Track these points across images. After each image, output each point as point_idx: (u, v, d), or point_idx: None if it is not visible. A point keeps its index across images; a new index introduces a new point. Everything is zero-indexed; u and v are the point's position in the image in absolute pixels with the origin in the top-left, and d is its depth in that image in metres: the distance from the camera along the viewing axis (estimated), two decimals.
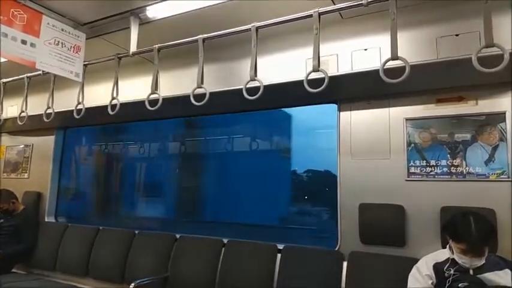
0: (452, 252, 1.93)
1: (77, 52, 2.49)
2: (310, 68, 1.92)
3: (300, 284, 2.59)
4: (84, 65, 2.56)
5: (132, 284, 2.76)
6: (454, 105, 2.48)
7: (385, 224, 2.52)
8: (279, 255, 2.77)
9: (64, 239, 3.81)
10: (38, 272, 3.87)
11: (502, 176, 2.31)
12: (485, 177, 2.35)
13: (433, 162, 2.49)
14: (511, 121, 2.32)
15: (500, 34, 1.81)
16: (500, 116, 2.35)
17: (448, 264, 1.94)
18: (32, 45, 2.22)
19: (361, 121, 2.76)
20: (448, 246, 2.00)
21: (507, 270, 1.86)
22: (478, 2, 1.59)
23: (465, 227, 1.85)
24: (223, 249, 3.00)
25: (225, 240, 3.05)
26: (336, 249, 2.69)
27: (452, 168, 2.44)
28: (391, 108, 2.66)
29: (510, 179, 2.28)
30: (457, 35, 2.05)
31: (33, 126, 4.07)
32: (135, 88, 2.98)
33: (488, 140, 2.38)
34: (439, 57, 2.08)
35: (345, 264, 2.55)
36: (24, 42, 2.17)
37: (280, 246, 2.82)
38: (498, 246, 2.15)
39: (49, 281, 3.64)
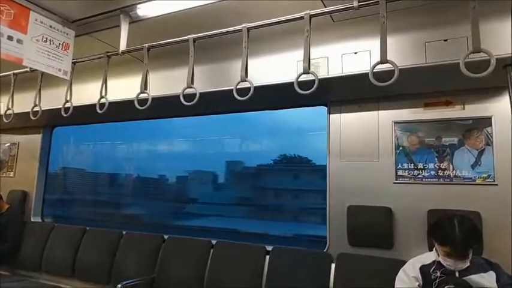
0: (438, 255, 1.95)
1: (65, 50, 2.45)
2: (300, 70, 1.93)
3: (289, 285, 2.59)
4: (72, 62, 2.52)
5: (119, 285, 2.73)
6: (441, 110, 2.51)
7: (373, 226, 2.53)
8: (267, 257, 2.77)
9: (50, 239, 3.74)
10: (22, 273, 3.79)
11: (487, 180, 2.34)
12: (472, 181, 2.38)
13: (420, 166, 2.52)
14: (497, 125, 2.36)
15: (488, 40, 1.84)
16: (487, 121, 2.39)
17: (434, 267, 1.96)
18: (19, 41, 2.17)
19: (351, 123, 2.78)
20: (434, 248, 2.02)
21: (491, 273, 1.89)
22: (466, 8, 1.61)
23: (449, 230, 1.87)
24: (211, 250, 2.98)
25: (214, 242, 3.03)
26: (325, 250, 2.70)
27: (439, 171, 2.47)
28: (380, 112, 2.69)
29: (496, 183, 2.32)
30: (445, 40, 2.07)
31: (19, 124, 4.00)
32: (124, 87, 2.95)
33: (474, 144, 2.41)
34: (427, 62, 2.11)
35: (333, 265, 2.56)
36: (10, 38, 2.12)
37: (269, 248, 2.82)
38: (484, 249, 2.18)
39: (34, 282, 3.58)
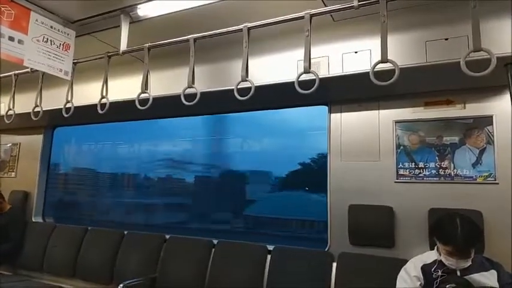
0: (440, 254, 1.95)
1: (66, 50, 2.46)
2: (301, 70, 1.92)
3: (290, 285, 2.59)
4: (73, 63, 2.53)
5: (121, 285, 2.73)
6: (442, 109, 2.51)
7: (375, 226, 2.53)
8: (269, 256, 2.77)
9: (52, 239, 3.75)
10: (24, 273, 3.80)
11: (488, 179, 2.34)
12: (473, 180, 2.38)
13: (421, 165, 2.52)
14: (498, 124, 2.36)
15: (489, 39, 1.84)
16: (488, 120, 2.39)
17: (435, 266, 1.96)
18: (20, 42, 2.18)
19: (352, 123, 2.78)
20: (435, 247, 2.02)
21: (493, 271, 1.89)
22: (466, 7, 1.60)
23: (451, 229, 1.86)
24: (213, 250, 2.99)
25: (215, 241, 3.04)
26: (326, 250, 2.71)
27: (440, 170, 2.47)
28: (380, 111, 2.69)
29: (497, 182, 2.32)
30: (446, 39, 2.07)
31: (20, 124, 4.01)
32: (125, 87, 2.95)
33: (475, 143, 2.41)
34: (428, 61, 2.10)
35: (334, 265, 2.56)
36: (11, 38, 2.13)
37: (270, 247, 2.82)
38: (485, 248, 2.18)
39: (35, 282, 3.59)
